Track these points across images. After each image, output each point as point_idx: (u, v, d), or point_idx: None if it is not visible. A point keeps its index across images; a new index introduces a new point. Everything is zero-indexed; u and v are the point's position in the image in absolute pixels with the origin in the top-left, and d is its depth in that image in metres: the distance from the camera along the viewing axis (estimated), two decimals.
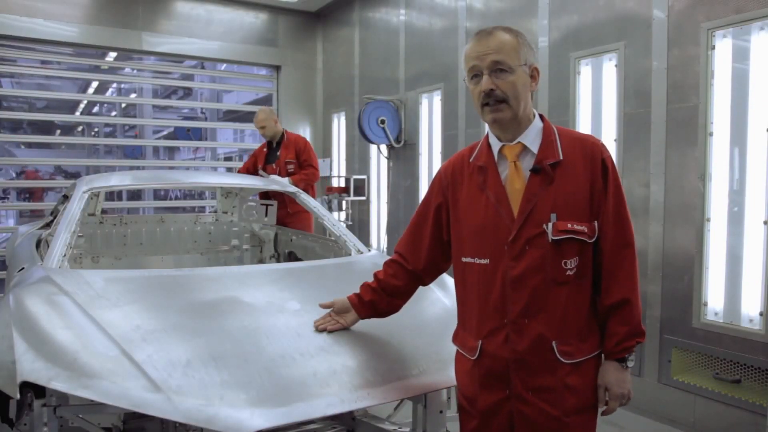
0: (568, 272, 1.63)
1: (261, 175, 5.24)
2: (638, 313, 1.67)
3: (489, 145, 1.75)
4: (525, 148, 1.68)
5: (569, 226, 1.61)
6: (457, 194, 1.79)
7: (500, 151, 1.71)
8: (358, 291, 2.05)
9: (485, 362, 1.70)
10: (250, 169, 5.53)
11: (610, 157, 1.67)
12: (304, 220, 5.15)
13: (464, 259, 1.76)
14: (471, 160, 1.78)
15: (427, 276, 1.98)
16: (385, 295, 1.99)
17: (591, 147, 1.66)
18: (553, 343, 1.62)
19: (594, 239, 1.65)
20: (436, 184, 1.89)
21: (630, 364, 1.67)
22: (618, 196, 1.66)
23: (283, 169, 5.32)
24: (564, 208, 1.62)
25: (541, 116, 1.74)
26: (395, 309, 2.05)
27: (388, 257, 2.07)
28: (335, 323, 2.09)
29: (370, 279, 2.04)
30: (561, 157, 1.65)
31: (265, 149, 5.55)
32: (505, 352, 1.66)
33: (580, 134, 1.74)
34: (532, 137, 1.68)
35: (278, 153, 5.41)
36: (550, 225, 1.61)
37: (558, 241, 1.61)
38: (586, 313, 1.68)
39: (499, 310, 1.66)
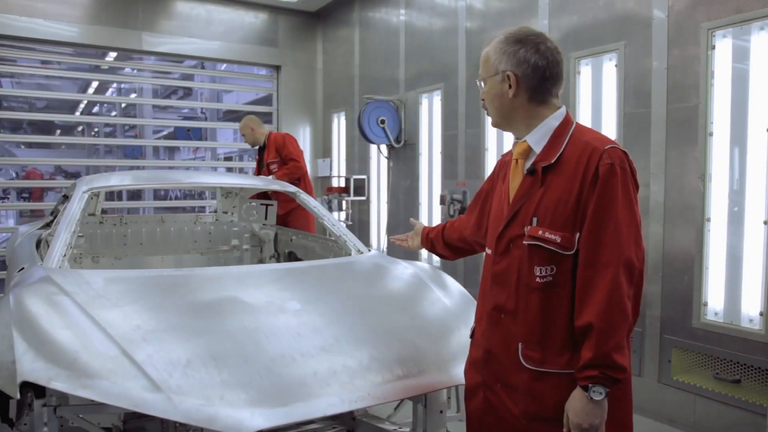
0: (539, 279, 1.59)
1: None
2: (606, 341, 1.47)
3: None
4: (531, 147, 1.68)
5: (540, 233, 1.58)
6: (495, 185, 1.87)
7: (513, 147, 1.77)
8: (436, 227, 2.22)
9: (473, 345, 1.82)
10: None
11: (609, 165, 1.52)
12: (302, 218, 5.15)
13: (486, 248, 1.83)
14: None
15: (478, 246, 2.04)
16: (443, 243, 2.17)
17: (590, 152, 1.55)
18: (519, 344, 1.62)
19: (573, 252, 1.56)
20: (494, 169, 1.95)
21: (595, 396, 1.48)
22: (601, 210, 1.51)
23: (267, 169, 5.41)
24: (545, 214, 1.59)
25: (567, 114, 1.67)
26: (448, 258, 2.24)
27: (390, 257, 2.10)
28: (403, 241, 2.32)
29: (370, 280, 2.07)
30: (552, 161, 1.60)
31: (257, 156, 5.74)
32: (483, 341, 1.74)
33: (592, 138, 1.61)
34: (538, 137, 1.66)
35: (263, 156, 5.56)
36: (527, 228, 1.61)
37: (530, 246, 1.60)
38: (564, 327, 1.58)
39: (485, 300, 1.75)
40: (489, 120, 1.81)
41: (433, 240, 2.20)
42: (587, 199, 1.53)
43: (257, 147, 5.72)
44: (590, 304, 1.50)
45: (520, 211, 1.64)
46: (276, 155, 5.44)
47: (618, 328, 1.49)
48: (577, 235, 1.55)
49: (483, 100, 1.75)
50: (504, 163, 1.84)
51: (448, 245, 2.16)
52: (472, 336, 1.85)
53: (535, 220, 1.60)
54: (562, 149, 1.61)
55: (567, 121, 1.66)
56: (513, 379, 1.64)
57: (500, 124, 1.76)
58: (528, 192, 1.63)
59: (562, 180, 1.58)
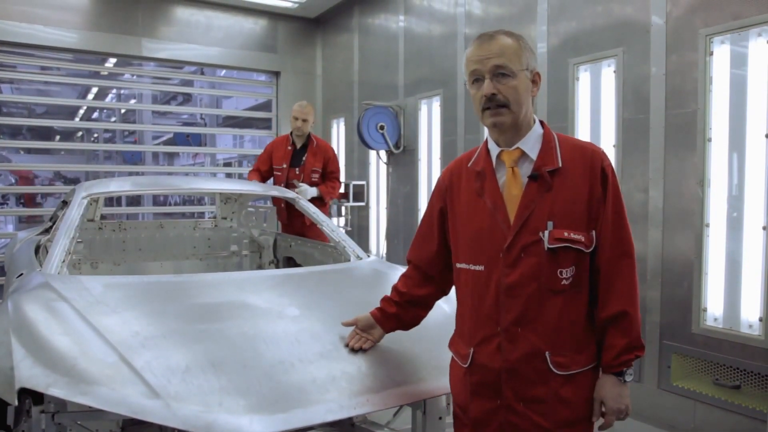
0: (564, 282, 1.60)
1: (293, 185, 4.93)
2: (638, 325, 1.62)
3: (488, 150, 1.73)
4: (523, 154, 1.66)
5: (566, 234, 1.58)
6: (455, 199, 1.78)
7: (498, 156, 1.69)
8: (378, 305, 2.02)
9: (477, 371, 1.68)
10: (262, 172, 5.11)
11: (610, 165, 1.65)
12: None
13: (458, 266, 1.74)
14: (469, 165, 1.76)
15: (446, 282, 1.94)
16: (409, 307, 1.97)
17: (591, 155, 1.63)
18: (547, 353, 1.60)
19: (591, 249, 1.62)
20: (437, 190, 1.88)
21: (628, 378, 1.62)
22: (617, 205, 1.62)
23: (308, 177, 5.03)
24: (561, 217, 1.59)
25: (541, 122, 1.72)
26: (419, 320, 2.02)
27: (389, 263, 2.06)
28: (366, 340, 2.05)
29: (369, 286, 2.04)
30: (560, 165, 1.62)
31: (289, 147, 5.10)
32: (497, 362, 1.63)
33: (580, 142, 1.71)
34: (531, 143, 1.67)
35: (304, 158, 5.06)
36: (546, 233, 1.58)
37: (554, 249, 1.58)
38: (582, 325, 1.64)
39: (492, 318, 1.64)
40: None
41: (398, 315, 1.97)
42: (601, 196, 1.62)
43: (277, 138, 5.09)
44: (620, 292, 1.61)
45: (530, 218, 1.60)
46: (322, 166, 5.06)
47: (639, 311, 1.63)
48: (593, 232, 1.62)
49: (496, 94, 1.60)
50: (473, 174, 1.73)
51: (419, 303, 1.96)
52: (468, 364, 1.70)
53: (550, 223, 1.58)
54: (559, 153, 1.64)
55: (547, 128, 1.71)
56: (540, 392, 1.60)
57: (513, 125, 1.64)
58: (535, 198, 1.61)
59: (569, 182, 1.61)
